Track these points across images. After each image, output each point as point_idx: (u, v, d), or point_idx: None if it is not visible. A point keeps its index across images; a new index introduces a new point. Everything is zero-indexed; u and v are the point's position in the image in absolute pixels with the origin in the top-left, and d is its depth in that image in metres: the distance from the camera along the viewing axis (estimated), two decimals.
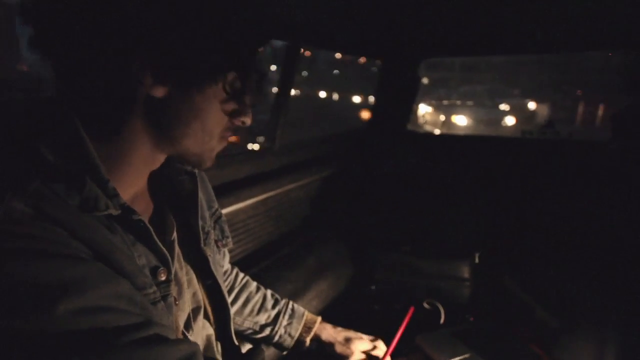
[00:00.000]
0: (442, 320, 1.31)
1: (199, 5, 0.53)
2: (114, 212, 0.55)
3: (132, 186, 0.63)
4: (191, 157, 0.64)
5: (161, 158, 0.65)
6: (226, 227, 0.87)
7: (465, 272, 1.48)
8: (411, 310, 1.07)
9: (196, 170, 0.75)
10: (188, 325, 0.71)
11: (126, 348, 0.46)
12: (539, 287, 1.40)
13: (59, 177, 0.51)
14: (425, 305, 1.36)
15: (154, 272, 0.61)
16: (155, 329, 0.50)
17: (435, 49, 2.09)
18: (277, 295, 1.06)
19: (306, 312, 1.05)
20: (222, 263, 0.84)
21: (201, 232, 0.74)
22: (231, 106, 0.61)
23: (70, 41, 0.52)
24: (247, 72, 0.60)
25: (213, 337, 0.80)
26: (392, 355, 1.04)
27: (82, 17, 0.51)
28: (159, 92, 0.54)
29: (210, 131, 0.61)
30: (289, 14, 1.28)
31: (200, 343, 0.76)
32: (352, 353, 1.00)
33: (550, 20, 1.34)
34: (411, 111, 2.40)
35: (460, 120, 11.20)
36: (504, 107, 12.04)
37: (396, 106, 2.33)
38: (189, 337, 0.70)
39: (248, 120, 0.65)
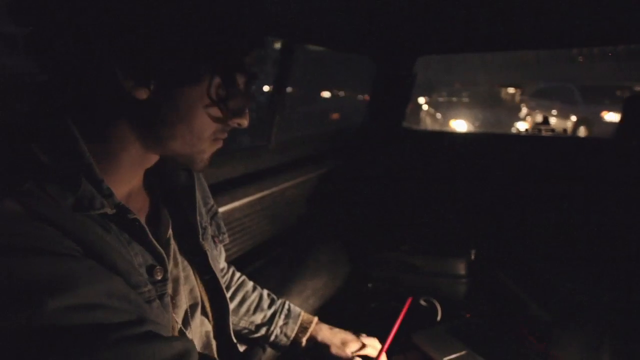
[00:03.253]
0: (438, 318, 1.31)
1: (178, 9, 0.52)
2: (109, 211, 0.55)
3: (127, 184, 0.63)
4: (180, 159, 0.63)
5: (154, 157, 0.64)
6: (222, 224, 0.88)
7: (462, 269, 1.48)
8: (409, 301, 1.06)
9: None
10: (186, 322, 0.71)
11: (117, 345, 0.45)
12: (533, 282, 1.40)
13: (52, 177, 0.51)
14: (422, 302, 1.36)
15: (150, 270, 0.61)
16: (148, 327, 0.50)
17: (431, 46, 2.09)
18: (273, 295, 1.06)
19: (302, 313, 1.04)
20: (219, 259, 0.84)
21: (199, 227, 0.74)
22: (216, 112, 0.59)
23: (49, 42, 0.52)
24: (232, 77, 0.59)
25: (211, 334, 0.79)
26: (388, 353, 1.04)
27: (59, 20, 0.51)
28: (142, 94, 0.54)
29: (198, 134, 0.60)
30: (284, 10, 1.27)
31: (199, 340, 0.76)
32: (348, 355, 0.99)
33: (549, 15, 1.34)
34: (407, 109, 2.40)
35: (460, 126, 9.55)
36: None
37: (392, 104, 2.33)
38: (187, 334, 0.70)
39: (245, 122, 0.63)
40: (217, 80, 0.57)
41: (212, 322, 0.80)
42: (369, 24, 1.53)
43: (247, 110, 0.63)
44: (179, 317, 0.69)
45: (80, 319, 0.45)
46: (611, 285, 1.29)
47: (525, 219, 1.85)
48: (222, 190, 1.44)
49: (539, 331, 1.15)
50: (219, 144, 0.65)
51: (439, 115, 10.93)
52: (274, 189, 1.70)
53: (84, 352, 0.43)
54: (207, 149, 0.63)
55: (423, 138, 2.47)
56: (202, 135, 0.60)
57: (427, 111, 11.47)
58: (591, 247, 1.50)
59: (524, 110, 9.67)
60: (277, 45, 1.68)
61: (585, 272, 1.38)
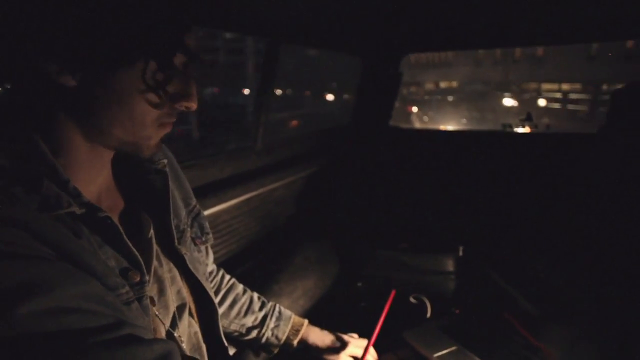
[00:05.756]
0: (428, 314, 1.31)
1: None
2: (78, 210, 0.54)
3: (93, 183, 0.62)
4: (126, 147, 0.60)
5: (106, 151, 0.61)
6: (206, 224, 0.85)
7: (450, 266, 1.49)
8: (392, 293, 1.07)
9: (167, 169, 0.72)
10: (174, 323, 0.70)
11: (94, 350, 0.44)
12: (521, 277, 1.42)
13: (15, 181, 0.49)
14: (412, 299, 1.36)
15: (125, 274, 0.59)
16: (127, 330, 0.48)
17: (415, 45, 2.10)
18: (263, 298, 1.05)
19: (293, 315, 1.04)
20: (202, 261, 0.82)
21: (175, 231, 0.73)
22: (155, 98, 0.56)
23: None
24: (169, 60, 0.55)
25: (200, 335, 0.79)
26: (379, 350, 1.04)
27: None
28: (68, 81, 0.51)
29: (140, 120, 0.57)
30: (267, 10, 1.27)
31: (187, 341, 0.75)
32: (338, 357, 1.00)
33: (535, 11, 1.35)
34: (393, 107, 2.40)
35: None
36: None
37: (378, 102, 2.34)
38: (175, 334, 0.69)
39: (193, 105, 0.60)
40: (152, 64, 0.54)
41: (199, 324, 0.79)
42: (354, 22, 1.53)
43: (194, 92, 0.60)
44: (166, 318, 0.68)
45: (54, 323, 0.43)
46: (598, 279, 1.31)
47: (512, 214, 1.86)
48: (208, 192, 1.43)
49: (527, 325, 1.16)
50: (167, 129, 0.61)
51: (426, 118, 11.18)
52: (261, 190, 1.69)
53: (59, 359, 0.42)
54: (152, 135, 0.60)
55: (410, 136, 2.47)
56: (144, 121, 0.57)
57: (416, 114, 11.77)
58: (578, 241, 1.52)
59: None
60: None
61: (572, 267, 1.40)
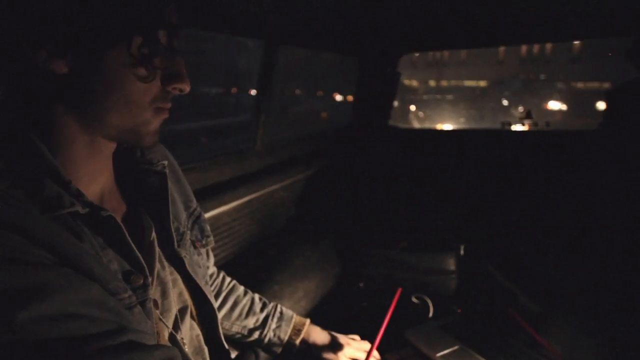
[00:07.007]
0: (430, 314, 1.31)
1: None
2: (81, 209, 0.53)
3: (95, 183, 0.61)
4: (126, 135, 0.59)
5: (107, 144, 0.61)
6: (207, 227, 0.85)
7: (452, 265, 1.49)
8: (399, 292, 1.07)
9: (167, 171, 0.72)
10: (176, 326, 0.70)
11: (95, 356, 0.44)
12: (522, 274, 1.42)
13: (15, 183, 0.49)
14: (414, 299, 1.36)
15: (127, 277, 0.59)
16: (129, 335, 0.48)
17: (413, 44, 2.10)
18: (264, 299, 1.05)
19: (295, 315, 1.04)
20: (202, 264, 0.82)
21: (174, 234, 0.72)
22: (144, 72, 0.55)
23: None
24: (154, 34, 0.55)
25: (201, 338, 0.78)
26: (381, 350, 1.04)
27: None
28: (60, 67, 0.51)
29: (135, 102, 0.56)
30: (264, 11, 1.27)
31: (189, 343, 0.74)
32: (340, 357, 1.00)
33: (533, 11, 1.35)
34: (392, 107, 2.40)
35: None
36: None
37: (377, 102, 2.34)
38: (178, 337, 0.69)
39: (185, 87, 0.59)
40: (137, 39, 0.53)
41: (200, 327, 0.79)
42: (351, 23, 1.53)
43: (184, 72, 0.59)
44: (169, 321, 0.68)
45: (54, 330, 0.43)
46: (598, 274, 1.31)
47: (512, 212, 1.86)
48: (208, 194, 1.42)
49: (530, 322, 1.16)
50: (164, 115, 0.61)
51: (420, 114, 11.22)
52: (262, 192, 1.69)
53: None
54: (151, 119, 0.59)
55: (409, 136, 2.47)
56: (140, 102, 0.56)
57: (414, 112, 11.78)
58: (578, 237, 1.52)
59: None
60: None
61: (572, 262, 1.40)
